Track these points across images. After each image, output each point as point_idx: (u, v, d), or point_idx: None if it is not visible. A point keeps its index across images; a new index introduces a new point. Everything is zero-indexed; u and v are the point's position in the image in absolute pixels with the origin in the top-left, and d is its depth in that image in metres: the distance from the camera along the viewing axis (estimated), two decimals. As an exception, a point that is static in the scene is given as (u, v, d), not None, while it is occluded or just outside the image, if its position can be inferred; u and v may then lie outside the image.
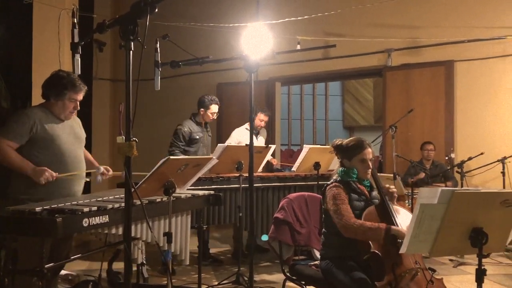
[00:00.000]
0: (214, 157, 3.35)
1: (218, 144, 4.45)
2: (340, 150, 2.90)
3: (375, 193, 2.87)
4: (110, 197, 2.86)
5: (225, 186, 4.39)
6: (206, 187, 4.14)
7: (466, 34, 6.38)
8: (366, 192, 2.85)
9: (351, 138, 2.93)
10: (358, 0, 6.98)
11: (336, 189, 2.74)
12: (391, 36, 6.76)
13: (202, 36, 7.60)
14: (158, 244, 2.95)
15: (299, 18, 6.90)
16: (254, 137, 5.34)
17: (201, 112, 4.94)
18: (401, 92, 6.92)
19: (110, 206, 2.57)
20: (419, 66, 6.79)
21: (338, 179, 2.84)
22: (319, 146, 5.73)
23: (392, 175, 5.05)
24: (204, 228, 3.77)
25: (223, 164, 4.23)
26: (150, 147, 5.70)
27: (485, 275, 2.02)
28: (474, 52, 6.42)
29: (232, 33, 6.74)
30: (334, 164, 4.63)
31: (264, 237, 2.78)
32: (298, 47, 6.62)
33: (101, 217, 2.49)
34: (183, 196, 3.16)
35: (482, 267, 2.02)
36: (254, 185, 4.45)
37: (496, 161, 5.61)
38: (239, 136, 5.47)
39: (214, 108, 4.94)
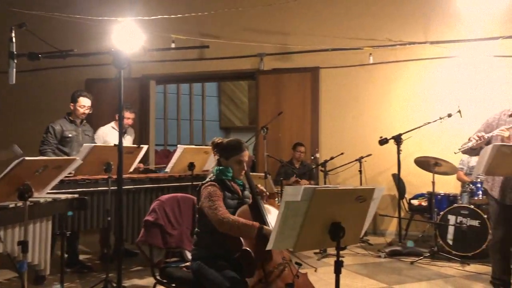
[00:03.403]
0: (78, 158, 3.12)
1: (84, 144, 4.17)
2: (219, 149, 2.93)
3: (247, 192, 2.95)
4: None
5: (92, 189, 4.13)
6: (71, 190, 3.86)
7: (331, 43, 6.90)
8: (239, 191, 2.91)
9: (231, 139, 2.99)
10: (231, 3, 7.13)
11: (212, 187, 2.76)
12: (263, 41, 7.02)
13: (69, 28, 7.09)
14: (10, 255, 2.65)
15: (172, 16, 6.81)
16: (128, 137, 5.16)
17: (72, 107, 4.67)
18: (272, 95, 7.23)
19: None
20: (288, 71, 7.16)
21: (213, 178, 2.86)
22: (193, 146, 5.70)
23: (263, 174, 5.23)
24: (68, 235, 3.50)
25: (90, 166, 3.98)
26: (6, 147, 5.13)
27: (343, 266, 2.18)
28: (337, 60, 6.97)
29: (101, 27, 6.39)
30: (209, 165, 4.65)
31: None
32: (173, 45, 6.52)
33: None
34: (42, 200, 2.90)
35: (340, 259, 2.18)
36: (125, 187, 4.31)
37: (354, 161, 6.16)
38: (105, 135, 5.22)
39: (83, 101, 4.66)
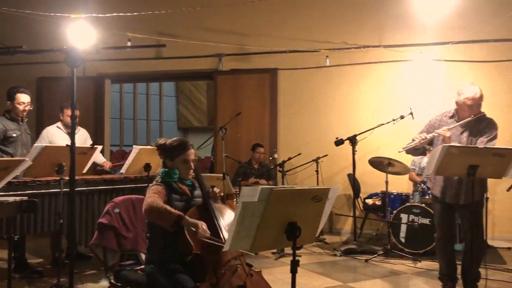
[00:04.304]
0: (27, 159, 3.00)
1: (34, 145, 4.00)
2: (163, 150, 2.87)
3: (197, 191, 2.90)
4: None
5: (43, 191, 3.97)
6: (19, 192, 3.70)
7: (289, 45, 6.97)
8: (188, 192, 2.86)
9: (174, 138, 2.92)
10: (189, 3, 7.06)
11: (155, 186, 2.72)
12: (222, 41, 7.00)
13: (18, 24, 6.80)
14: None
15: (128, 14, 6.66)
16: (68, 137, 4.97)
17: (9, 106, 4.44)
18: (231, 96, 7.22)
19: None
20: (247, 72, 7.17)
21: (159, 180, 2.80)
22: (149, 146, 5.60)
23: (222, 175, 5.21)
24: (16, 239, 3.35)
25: (41, 167, 3.83)
26: None
27: (299, 265, 2.20)
28: (295, 61, 7.05)
29: (54, 24, 6.16)
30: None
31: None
32: (129, 44, 6.39)
33: None
34: (-13, 203, 2.75)
35: (297, 258, 2.20)
36: (78, 189, 4.17)
37: (311, 161, 6.25)
38: (50, 135, 4.96)
39: (22, 97, 4.44)
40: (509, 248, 5.70)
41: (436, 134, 3.59)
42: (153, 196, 2.64)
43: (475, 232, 3.58)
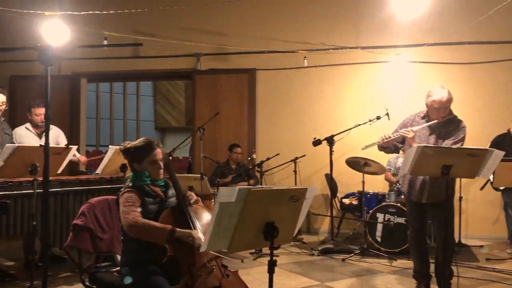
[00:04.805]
0: (-1, 159, 2.92)
1: (6, 145, 3.90)
2: (129, 154, 2.79)
3: (171, 191, 2.85)
4: None
5: (15, 192, 3.86)
6: (-9, 193, 3.61)
7: (267, 45, 6.99)
8: (161, 193, 2.80)
9: (139, 140, 2.83)
10: (166, 2, 7.01)
11: (128, 193, 2.65)
12: (200, 41, 6.97)
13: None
14: None
15: (105, 12, 6.57)
16: (37, 137, 4.85)
17: None
18: (209, 96, 7.20)
19: None
20: (225, 72, 7.16)
21: (130, 184, 2.74)
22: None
23: (199, 175, 5.19)
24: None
25: (14, 168, 3.75)
26: None
27: (276, 265, 2.20)
28: (274, 62, 7.07)
29: (28, 21, 6.03)
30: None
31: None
32: (105, 42, 6.29)
33: None
34: (-43, 205, 2.67)
35: (275, 258, 2.20)
36: (53, 189, 4.09)
37: (289, 161, 6.28)
38: (19, 137, 4.78)
39: None
40: (481, 246, 5.84)
41: (398, 135, 3.65)
42: (132, 211, 2.55)
43: (446, 230, 3.65)
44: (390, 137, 3.65)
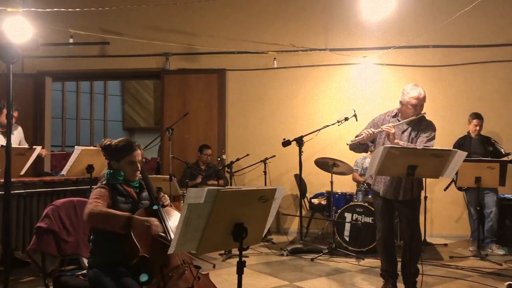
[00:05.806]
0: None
1: (-35, 146, 3.76)
2: (108, 151, 2.79)
3: (145, 193, 2.84)
4: None
5: (-25, 194, 3.74)
6: (-52, 196, 3.46)
7: (238, 46, 6.98)
8: (134, 194, 2.79)
9: (120, 139, 2.84)
10: (134, 0, 6.90)
11: (100, 188, 2.65)
12: (169, 41, 6.90)
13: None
14: None
15: (70, 10, 6.41)
16: (2, 137, 4.72)
17: None
18: (178, 96, 7.13)
19: None
20: (195, 72, 7.12)
21: (104, 182, 2.73)
22: (92, 147, 5.41)
23: (168, 176, 5.13)
24: None
25: (-27, 169, 3.60)
26: None
27: (245, 266, 2.20)
28: (243, 62, 7.07)
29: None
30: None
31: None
32: (71, 41, 6.15)
33: None
34: None
35: (244, 259, 2.20)
36: (15, 191, 3.96)
37: (259, 162, 6.28)
38: None
39: None
40: (445, 245, 6.01)
41: (381, 130, 3.70)
42: (95, 201, 2.54)
43: (413, 228, 3.73)
44: (374, 132, 3.69)
